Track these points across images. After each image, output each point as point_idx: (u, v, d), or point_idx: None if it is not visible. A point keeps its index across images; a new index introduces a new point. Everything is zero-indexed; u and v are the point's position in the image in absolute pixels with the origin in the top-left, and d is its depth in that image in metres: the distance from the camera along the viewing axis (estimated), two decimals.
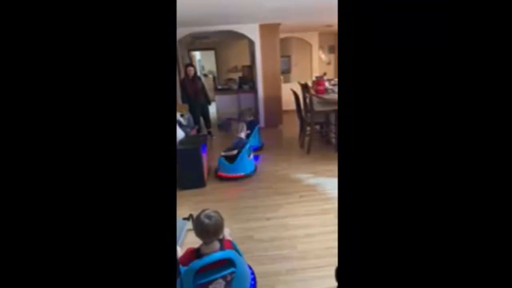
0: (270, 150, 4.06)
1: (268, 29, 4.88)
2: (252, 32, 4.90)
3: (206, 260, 1.30)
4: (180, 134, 3.45)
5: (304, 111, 3.97)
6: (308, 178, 3.00)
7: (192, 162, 2.88)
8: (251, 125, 4.05)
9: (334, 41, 7.15)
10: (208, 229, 1.32)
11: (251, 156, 3.28)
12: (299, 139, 4.16)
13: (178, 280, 1.30)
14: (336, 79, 5.78)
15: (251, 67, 5.95)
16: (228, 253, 1.37)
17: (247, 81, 6.14)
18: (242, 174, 3.11)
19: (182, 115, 4.08)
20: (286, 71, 6.86)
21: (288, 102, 5.27)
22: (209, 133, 5.00)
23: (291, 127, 5.06)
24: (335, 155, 3.53)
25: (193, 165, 2.89)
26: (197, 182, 2.83)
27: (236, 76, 6.72)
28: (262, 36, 4.94)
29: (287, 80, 6.58)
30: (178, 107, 4.44)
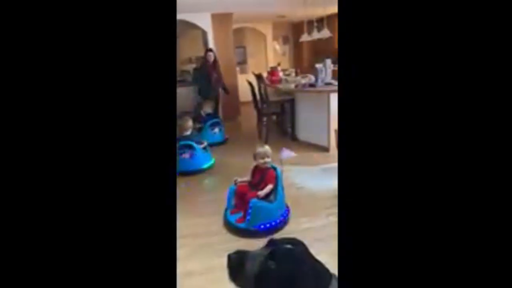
0: (229, 143, 4.02)
1: (221, 19, 4.78)
2: (204, 21, 4.76)
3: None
4: None
5: (260, 102, 3.99)
6: None
7: None
8: (209, 119, 3.98)
9: (287, 32, 7.26)
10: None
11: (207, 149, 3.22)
12: (257, 129, 4.18)
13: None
14: (291, 69, 5.89)
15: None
16: None
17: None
18: (200, 168, 3.04)
19: None
20: (242, 62, 6.81)
21: (245, 93, 5.25)
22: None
23: (249, 119, 5.06)
24: (292, 144, 3.63)
25: None
26: None
27: (190, 68, 6.50)
28: (215, 25, 4.82)
29: (243, 71, 6.54)
30: None
